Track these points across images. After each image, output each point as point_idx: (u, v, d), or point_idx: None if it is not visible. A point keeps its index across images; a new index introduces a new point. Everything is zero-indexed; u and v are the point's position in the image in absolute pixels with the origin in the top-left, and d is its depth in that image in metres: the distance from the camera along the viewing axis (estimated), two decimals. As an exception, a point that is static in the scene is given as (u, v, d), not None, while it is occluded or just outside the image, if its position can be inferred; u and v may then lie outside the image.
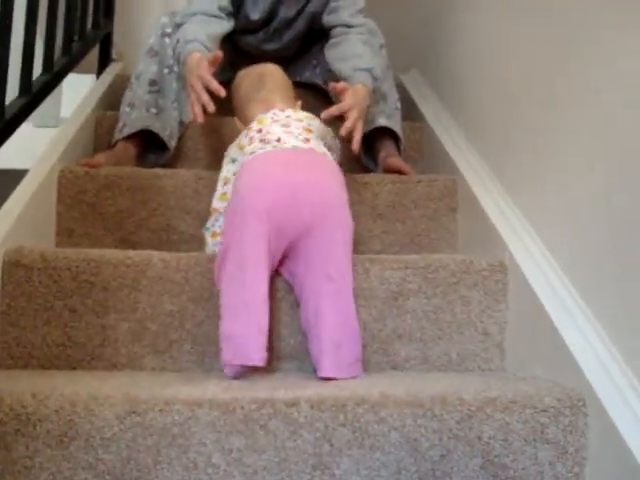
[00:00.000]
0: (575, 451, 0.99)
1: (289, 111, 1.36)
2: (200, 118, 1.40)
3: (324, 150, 1.29)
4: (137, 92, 1.66)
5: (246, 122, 1.39)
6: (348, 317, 1.16)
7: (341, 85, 1.45)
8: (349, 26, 1.67)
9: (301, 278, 1.18)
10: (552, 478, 0.99)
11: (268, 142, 1.25)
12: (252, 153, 1.24)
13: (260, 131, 1.29)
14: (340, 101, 1.43)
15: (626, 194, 1.01)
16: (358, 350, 1.16)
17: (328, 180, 1.23)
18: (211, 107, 1.38)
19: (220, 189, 1.32)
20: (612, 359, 1.02)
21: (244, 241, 1.14)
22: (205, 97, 1.39)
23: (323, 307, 1.14)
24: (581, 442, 1.00)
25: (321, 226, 1.17)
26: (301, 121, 1.33)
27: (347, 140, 1.42)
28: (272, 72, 1.51)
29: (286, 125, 1.30)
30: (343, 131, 1.40)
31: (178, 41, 1.53)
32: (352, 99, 1.42)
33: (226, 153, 1.37)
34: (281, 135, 1.26)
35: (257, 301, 1.11)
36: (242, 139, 1.32)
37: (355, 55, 1.58)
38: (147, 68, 1.67)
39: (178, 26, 1.59)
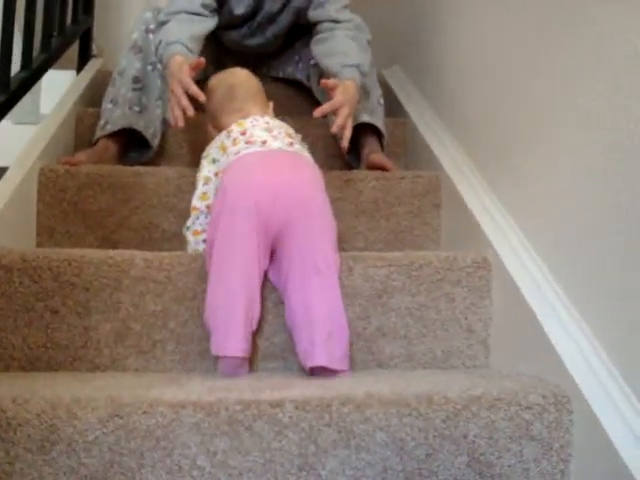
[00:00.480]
0: (560, 447, 1.00)
1: (267, 118, 1.38)
2: (180, 122, 1.40)
3: (307, 154, 1.33)
4: (120, 89, 1.64)
5: (220, 129, 1.40)
6: (336, 310, 1.16)
7: (332, 82, 1.45)
8: (336, 21, 1.66)
9: (286, 273, 1.18)
10: (537, 475, 0.99)
11: (254, 143, 1.27)
12: (237, 153, 1.26)
13: (244, 133, 1.31)
14: (330, 97, 1.44)
15: (612, 188, 1.01)
16: (346, 345, 1.16)
17: (310, 182, 1.25)
18: (190, 111, 1.39)
19: (200, 188, 1.32)
20: (596, 355, 1.02)
21: (233, 236, 1.16)
22: (184, 102, 1.39)
23: (312, 299, 1.14)
24: (566, 439, 1.00)
25: (304, 222, 1.19)
26: (281, 127, 1.35)
27: (337, 137, 1.43)
28: (242, 82, 1.50)
29: (269, 130, 1.32)
30: (335, 128, 1.41)
31: (160, 42, 1.51)
32: (343, 96, 1.43)
33: (205, 154, 1.37)
34: (267, 138, 1.28)
35: (246, 294, 1.14)
36: (224, 140, 1.33)
37: (343, 51, 1.58)
38: (130, 64, 1.65)
39: (161, 24, 1.57)
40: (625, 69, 0.98)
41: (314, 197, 1.23)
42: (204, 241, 1.28)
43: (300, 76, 1.88)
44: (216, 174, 1.31)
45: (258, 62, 1.89)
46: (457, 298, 1.26)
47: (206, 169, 1.33)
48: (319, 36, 1.67)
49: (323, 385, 1.03)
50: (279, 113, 1.55)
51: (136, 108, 1.62)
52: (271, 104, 1.48)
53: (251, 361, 1.17)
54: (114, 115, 1.61)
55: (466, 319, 1.26)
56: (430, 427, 0.97)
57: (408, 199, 1.57)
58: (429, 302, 1.25)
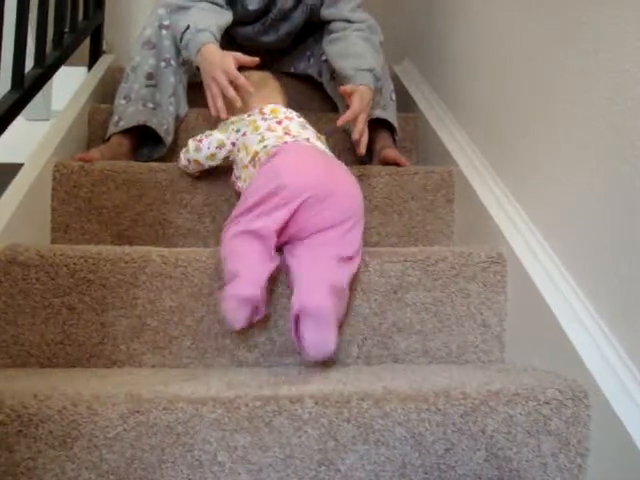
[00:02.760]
0: (578, 442, 1.00)
1: (297, 113, 1.40)
2: (224, 113, 1.42)
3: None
4: (133, 85, 1.64)
5: (243, 110, 1.41)
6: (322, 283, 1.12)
7: (350, 88, 1.47)
8: (349, 21, 1.65)
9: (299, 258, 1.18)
10: (555, 469, 0.99)
11: (295, 136, 1.28)
12: (283, 141, 1.25)
13: (280, 122, 1.32)
14: (348, 103, 1.46)
15: (622, 180, 1.01)
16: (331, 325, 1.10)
17: (356, 188, 1.24)
18: (239, 103, 1.40)
19: (212, 149, 1.37)
20: (612, 349, 1.02)
21: (271, 218, 1.14)
22: (232, 93, 1.40)
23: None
24: (583, 433, 1.00)
25: (343, 225, 1.18)
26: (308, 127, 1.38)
27: (355, 143, 1.47)
28: (271, 78, 1.54)
29: (304, 127, 1.34)
30: (356, 135, 1.44)
31: (188, 27, 1.51)
32: (359, 104, 1.45)
33: (231, 121, 1.39)
34: (308, 136, 1.30)
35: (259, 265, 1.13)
36: (258, 120, 1.34)
37: (357, 54, 1.58)
38: (144, 61, 1.65)
39: (181, 8, 1.57)
40: (634, 63, 0.98)
41: (359, 203, 1.22)
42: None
43: (311, 71, 1.88)
44: (233, 144, 1.34)
45: (270, 58, 1.89)
46: (472, 293, 1.26)
47: (225, 135, 1.36)
48: (332, 36, 1.67)
49: (341, 380, 1.04)
50: (291, 108, 1.55)
51: (150, 105, 1.62)
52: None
53: (268, 354, 1.18)
54: (127, 111, 1.61)
55: (481, 314, 1.26)
56: (448, 422, 0.97)
57: (421, 194, 1.57)
58: (444, 297, 1.25)
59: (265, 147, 1.26)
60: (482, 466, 0.97)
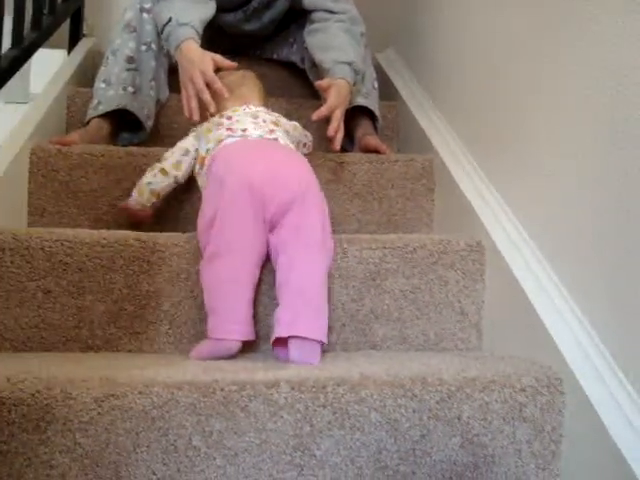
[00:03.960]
0: (552, 429, 1.00)
1: (261, 107, 1.41)
2: (196, 116, 1.39)
3: (289, 143, 1.34)
4: (113, 69, 1.61)
5: (218, 111, 1.40)
6: (312, 287, 1.13)
7: (326, 82, 1.46)
8: (331, 12, 1.64)
9: (276, 247, 1.17)
10: (529, 456, 1.00)
11: (235, 131, 1.29)
12: (220, 141, 1.27)
13: (230, 118, 1.33)
14: (325, 97, 1.44)
15: (603, 171, 1.01)
16: (320, 322, 1.12)
17: (300, 164, 1.25)
18: (213, 108, 1.38)
19: (177, 156, 1.36)
20: (588, 338, 1.03)
21: (230, 221, 1.14)
22: (207, 96, 1.37)
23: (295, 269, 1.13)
24: (558, 420, 1.01)
25: (298, 201, 1.17)
26: (270, 115, 1.37)
27: (330, 139, 1.44)
28: (253, 76, 1.52)
29: (254, 116, 1.34)
30: (331, 131, 1.42)
31: (170, 19, 1.48)
32: (336, 98, 1.43)
33: (194, 128, 1.40)
34: (248, 126, 1.30)
35: (244, 282, 1.14)
36: (213, 123, 1.35)
37: (337, 46, 1.56)
38: (124, 44, 1.62)
39: None
40: (618, 52, 0.98)
41: (307, 178, 1.22)
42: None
43: (294, 58, 1.87)
44: (196, 150, 1.35)
45: (252, 44, 1.88)
46: (450, 281, 1.26)
47: (189, 141, 1.37)
48: (313, 26, 1.65)
49: (318, 366, 1.04)
50: (273, 95, 1.55)
51: (130, 89, 1.60)
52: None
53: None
54: (107, 95, 1.59)
55: (459, 302, 1.27)
56: (424, 408, 0.97)
57: (401, 182, 1.57)
58: (423, 285, 1.26)
59: (208, 150, 1.29)
60: (457, 452, 0.98)
